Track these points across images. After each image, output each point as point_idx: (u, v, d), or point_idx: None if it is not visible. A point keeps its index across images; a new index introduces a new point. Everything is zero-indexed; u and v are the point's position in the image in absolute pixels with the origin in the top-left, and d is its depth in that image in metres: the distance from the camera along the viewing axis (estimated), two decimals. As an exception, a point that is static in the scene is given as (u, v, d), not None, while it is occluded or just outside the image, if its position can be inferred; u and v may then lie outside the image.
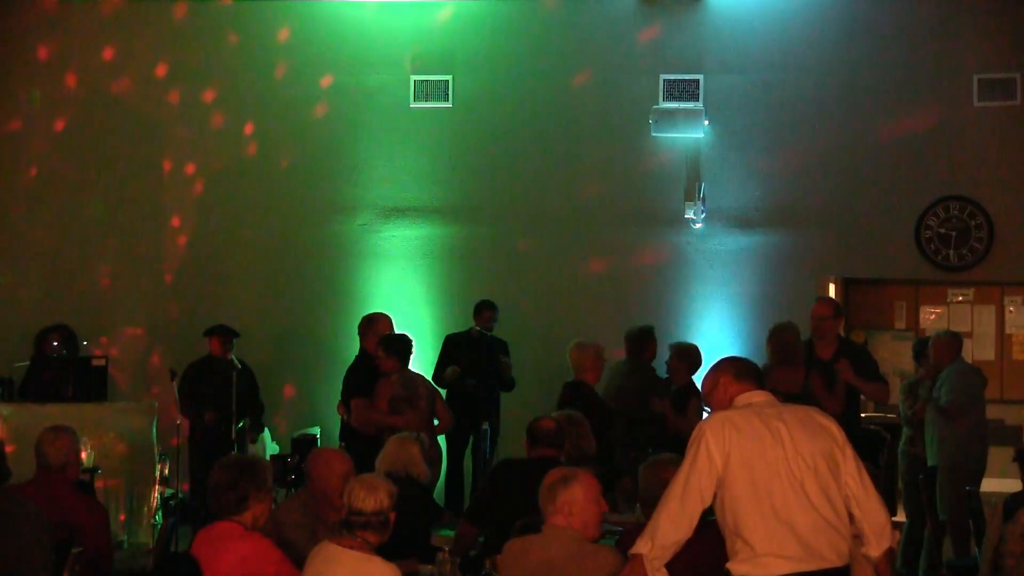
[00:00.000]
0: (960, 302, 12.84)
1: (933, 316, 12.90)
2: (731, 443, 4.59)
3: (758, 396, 4.79)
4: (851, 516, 4.67)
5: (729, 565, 4.61)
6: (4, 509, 5.05)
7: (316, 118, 11.72)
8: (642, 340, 9.36)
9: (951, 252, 10.91)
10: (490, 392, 10.22)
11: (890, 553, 4.71)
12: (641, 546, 4.62)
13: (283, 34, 11.79)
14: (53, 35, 12.00)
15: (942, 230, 10.89)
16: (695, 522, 4.61)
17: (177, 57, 11.88)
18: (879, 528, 4.68)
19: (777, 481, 4.56)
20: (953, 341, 9.18)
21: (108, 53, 11.93)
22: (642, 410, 9.01)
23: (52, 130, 11.97)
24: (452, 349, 10.55)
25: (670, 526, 4.59)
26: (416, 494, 6.37)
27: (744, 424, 4.64)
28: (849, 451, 4.69)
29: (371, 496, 4.80)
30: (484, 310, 10.55)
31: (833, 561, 4.54)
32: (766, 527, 4.53)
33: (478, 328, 10.29)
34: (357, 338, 11.73)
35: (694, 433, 4.69)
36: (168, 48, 11.90)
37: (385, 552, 4.91)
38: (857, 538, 4.71)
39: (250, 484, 5.00)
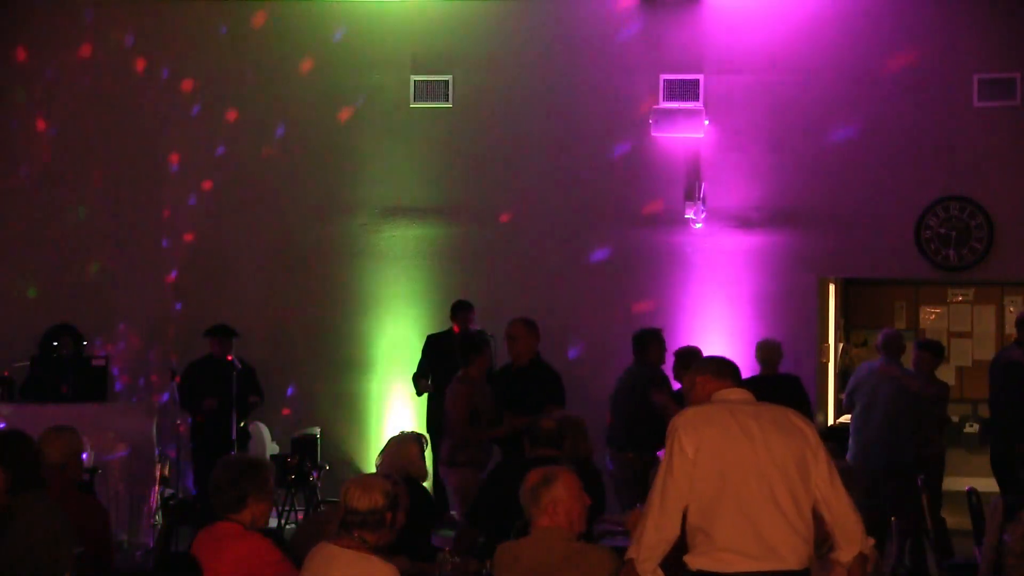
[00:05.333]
0: (960, 302, 12.86)
1: (933, 316, 12.92)
2: (701, 435, 4.56)
3: (735, 394, 4.77)
4: (823, 520, 4.60)
5: (687, 557, 4.57)
6: (31, 512, 5.06)
7: (316, 118, 11.72)
8: (643, 342, 9.36)
9: (951, 252, 10.91)
10: None
11: (861, 558, 4.62)
12: (631, 551, 4.62)
13: (283, 34, 11.79)
14: (52, 34, 12.00)
15: (942, 230, 10.89)
16: (679, 518, 4.57)
17: (176, 57, 11.88)
18: (849, 532, 4.61)
19: (743, 477, 4.51)
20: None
21: (109, 52, 11.94)
22: (641, 408, 9.01)
23: (52, 129, 11.98)
24: (432, 349, 10.56)
25: (653, 527, 4.57)
26: (415, 494, 6.37)
27: (715, 417, 4.63)
28: (822, 454, 4.63)
29: (366, 495, 4.81)
30: (460, 311, 10.53)
31: (791, 564, 4.47)
32: (728, 522, 4.49)
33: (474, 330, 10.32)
34: (356, 337, 11.80)
35: (668, 430, 4.68)
36: (168, 48, 11.90)
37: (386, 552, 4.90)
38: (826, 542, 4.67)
39: (250, 484, 5.01)
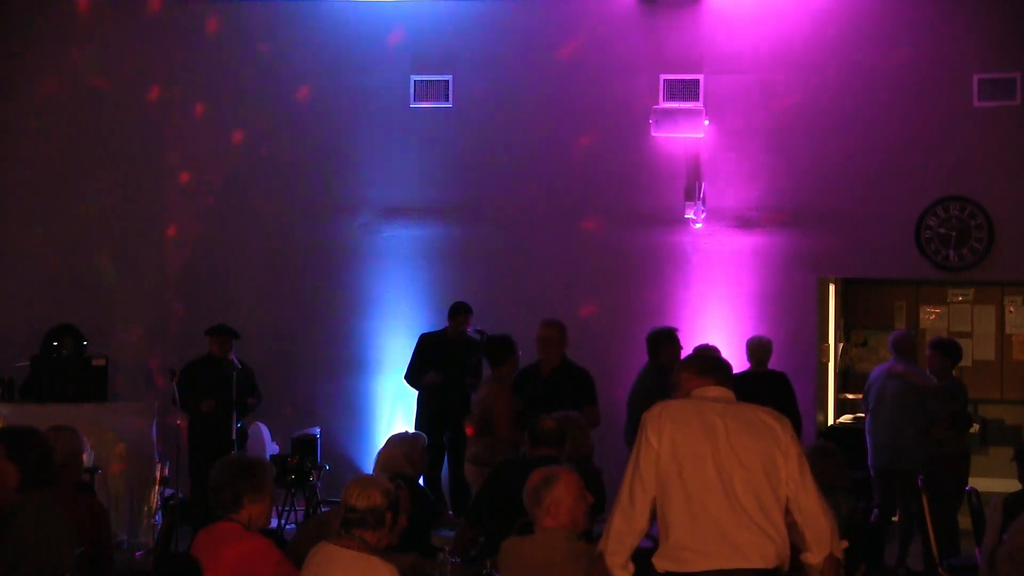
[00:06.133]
0: (960, 302, 12.84)
1: (933, 316, 12.90)
2: (665, 429, 4.56)
3: (713, 391, 4.74)
4: (795, 521, 4.56)
5: (654, 559, 4.55)
6: (32, 511, 5.06)
7: (316, 118, 11.72)
8: (656, 342, 9.36)
9: (951, 252, 10.90)
10: (462, 394, 10.15)
11: (832, 560, 4.57)
12: (602, 544, 4.63)
13: (283, 33, 11.79)
14: (52, 35, 12.01)
15: (942, 230, 10.89)
16: (648, 512, 4.56)
17: (176, 57, 11.89)
18: (819, 534, 4.55)
19: (704, 474, 4.49)
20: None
21: (109, 53, 11.95)
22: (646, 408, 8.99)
23: (52, 130, 11.99)
24: (425, 348, 10.56)
25: (622, 521, 4.57)
26: (412, 494, 6.36)
27: (680, 413, 4.63)
28: (793, 452, 4.57)
29: (365, 493, 4.81)
30: (459, 313, 10.53)
31: (755, 563, 4.42)
32: (689, 520, 4.47)
33: (467, 330, 10.32)
34: (356, 337, 11.78)
35: (640, 423, 4.68)
36: (167, 48, 11.90)
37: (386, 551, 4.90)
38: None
39: (246, 484, 5.01)
